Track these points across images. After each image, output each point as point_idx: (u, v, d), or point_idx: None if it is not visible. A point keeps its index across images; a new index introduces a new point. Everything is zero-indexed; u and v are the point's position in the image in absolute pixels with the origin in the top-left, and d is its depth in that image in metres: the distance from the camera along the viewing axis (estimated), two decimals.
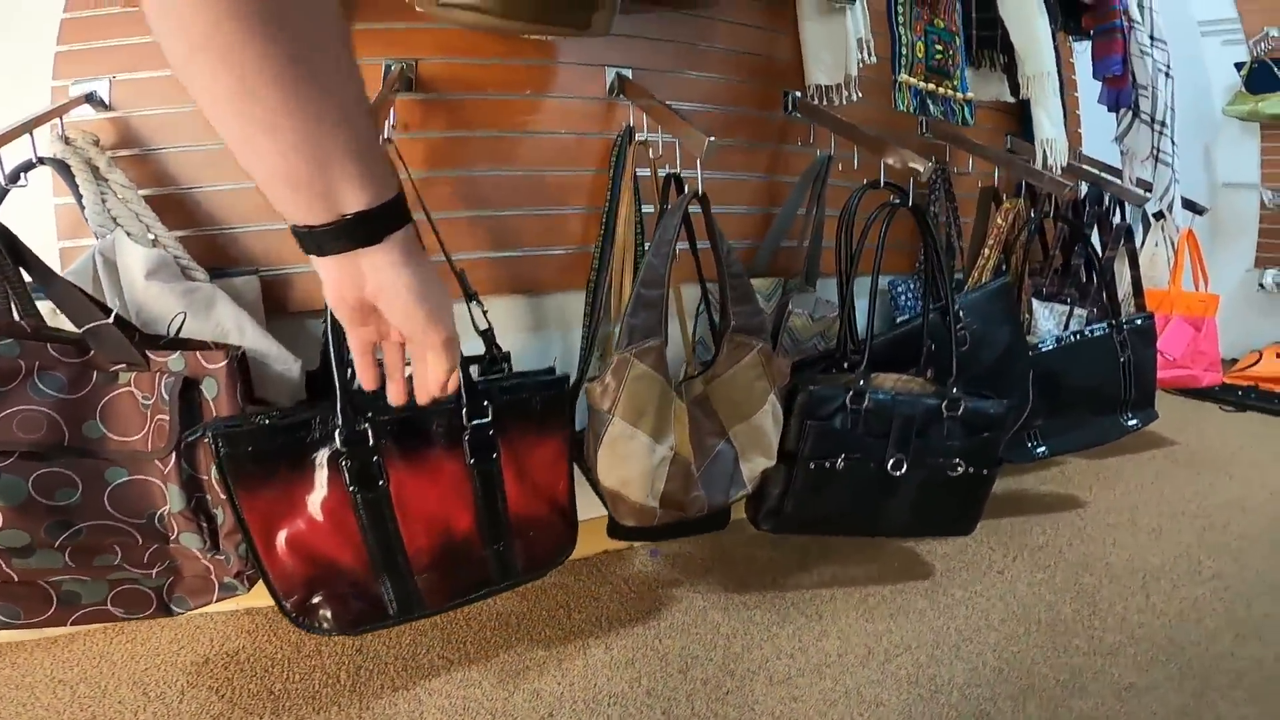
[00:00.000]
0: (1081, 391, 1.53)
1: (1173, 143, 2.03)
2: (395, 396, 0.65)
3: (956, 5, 1.71)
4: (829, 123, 1.46)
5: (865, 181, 1.30)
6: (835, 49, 1.52)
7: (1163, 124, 1.99)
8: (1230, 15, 3.26)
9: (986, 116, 1.98)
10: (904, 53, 1.57)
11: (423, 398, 0.63)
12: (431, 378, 0.60)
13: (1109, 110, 2.10)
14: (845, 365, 1.28)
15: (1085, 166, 2.04)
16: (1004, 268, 1.64)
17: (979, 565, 1.51)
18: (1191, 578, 1.45)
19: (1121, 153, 2.09)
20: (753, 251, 1.56)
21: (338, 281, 0.52)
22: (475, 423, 0.90)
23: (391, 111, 1.07)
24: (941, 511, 1.32)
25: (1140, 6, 2.04)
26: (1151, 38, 2.04)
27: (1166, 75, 2.05)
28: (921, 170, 1.18)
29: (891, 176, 1.30)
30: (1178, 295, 2.02)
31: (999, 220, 1.62)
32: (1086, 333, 1.54)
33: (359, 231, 0.49)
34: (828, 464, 1.20)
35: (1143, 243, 2.17)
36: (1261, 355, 2.86)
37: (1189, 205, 2.27)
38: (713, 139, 1.06)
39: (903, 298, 1.75)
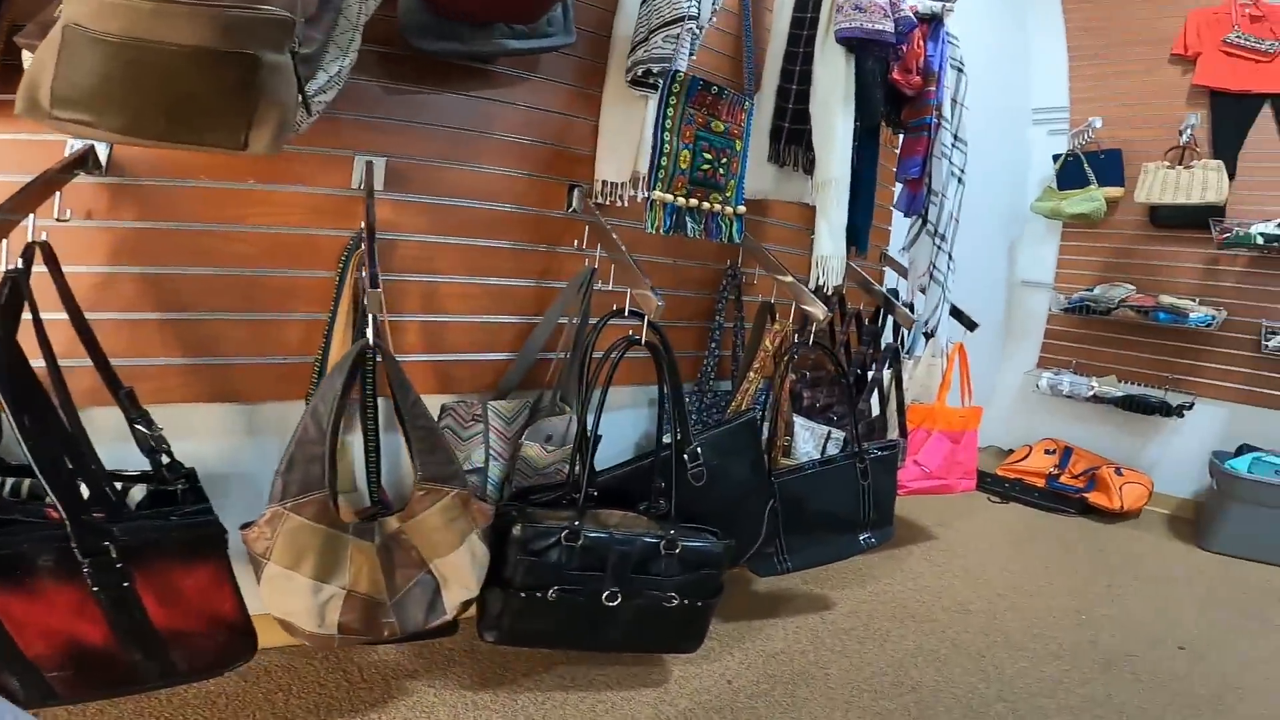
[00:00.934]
0: (825, 514, 1.63)
1: (949, 258, 2.09)
2: None
3: (748, 105, 1.59)
4: (600, 235, 1.44)
5: (614, 307, 1.31)
6: (629, 141, 1.49)
7: (942, 237, 2.03)
8: (1062, 103, 3.37)
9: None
10: (664, 164, 1.43)
11: None
12: None
13: (904, 215, 2.11)
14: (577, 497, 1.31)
15: (873, 284, 2.12)
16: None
17: (712, 674, 1.57)
18: (895, 689, 1.57)
19: (908, 262, 2.17)
20: (507, 365, 1.52)
21: None
22: (90, 559, 0.90)
23: (58, 195, 0.95)
24: (661, 634, 1.36)
25: (953, 103, 2.06)
26: (955, 137, 2.07)
27: (959, 181, 2.09)
28: (652, 311, 1.21)
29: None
30: (940, 411, 2.18)
31: (766, 342, 1.66)
32: (833, 462, 1.64)
33: None
34: (539, 594, 1.21)
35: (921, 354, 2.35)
36: (1031, 450, 3.19)
37: (959, 318, 2.39)
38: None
39: None
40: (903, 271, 2.30)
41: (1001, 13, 3.35)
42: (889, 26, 1.62)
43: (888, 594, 2.04)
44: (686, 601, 1.30)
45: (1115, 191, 3.11)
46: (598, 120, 1.57)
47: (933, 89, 1.96)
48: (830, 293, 1.68)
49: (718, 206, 1.54)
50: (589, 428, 1.30)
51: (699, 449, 1.36)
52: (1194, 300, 2.87)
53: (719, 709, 1.44)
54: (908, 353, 2.25)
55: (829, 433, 1.75)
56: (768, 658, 1.65)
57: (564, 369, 1.49)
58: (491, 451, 1.49)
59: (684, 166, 1.45)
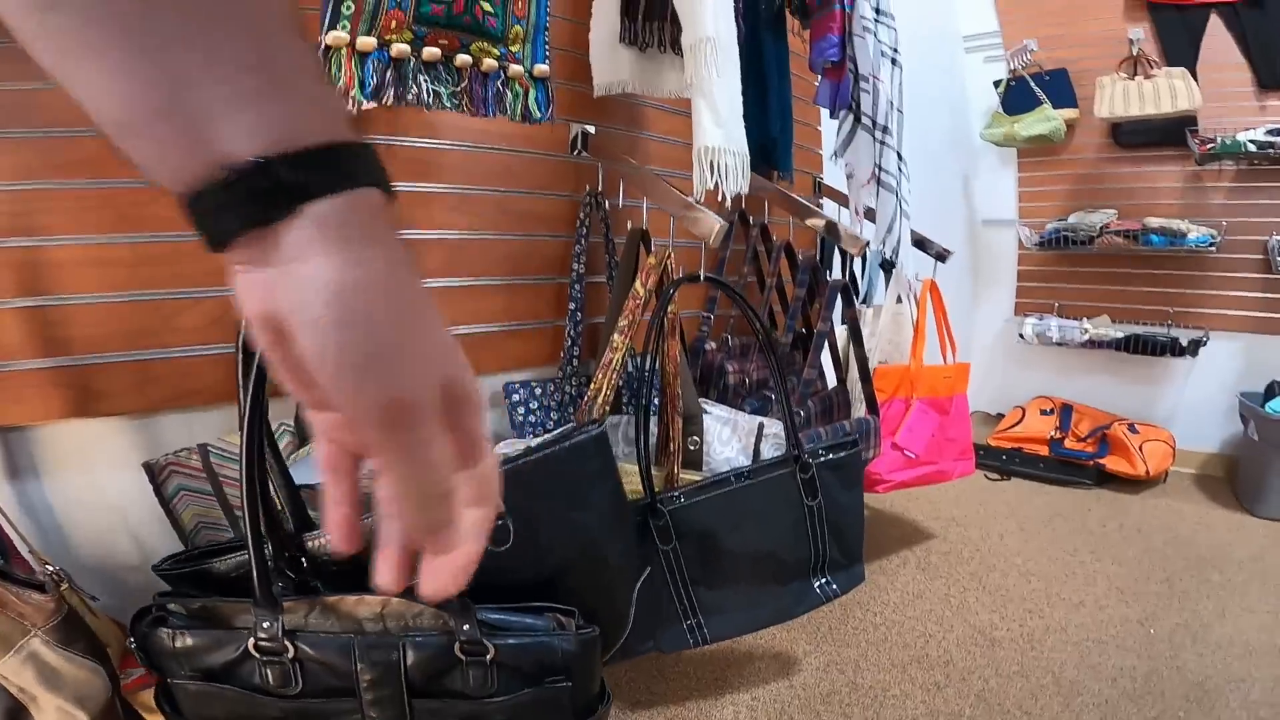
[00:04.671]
0: (752, 554, 1.01)
1: (899, 156, 1.56)
2: (378, 576, 0.30)
3: None
4: None
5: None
6: None
7: (884, 129, 1.52)
8: (993, 28, 3.01)
9: None
10: None
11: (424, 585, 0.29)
12: (409, 521, 0.29)
13: (829, 114, 1.59)
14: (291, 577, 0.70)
15: (801, 200, 1.55)
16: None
17: None
18: None
19: (846, 175, 1.62)
20: None
21: (246, 302, 0.27)
22: None
23: None
24: None
25: None
26: (877, 10, 1.59)
27: (893, 62, 1.60)
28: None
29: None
30: (919, 373, 1.60)
31: (637, 285, 1.04)
32: (757, 474, 1.01)
33: (250, 195, 0.25)
34: None
35: (885, 297, 1.78)
36: (1025, 413, 2.67)
37: (922, 246, 1.81)
38: None
39: (522, 409, 1.20)
40: (843, 200, 1.76)
41: None
42: None
43: (878, 631, 1.46)
44: None
45: (1070, 113, 2.72)
46: None
47: None
48: (730, 204, 1.09)
49: (490, 62, 0.96)
50: None
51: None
52: (1184, 221, 2.43)
53: None
54: (864, 298, 1.68)
55: (761, 425, 1.14)
56: None
57: None
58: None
59: None
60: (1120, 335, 2.46)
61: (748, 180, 1.12)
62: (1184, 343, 2.37)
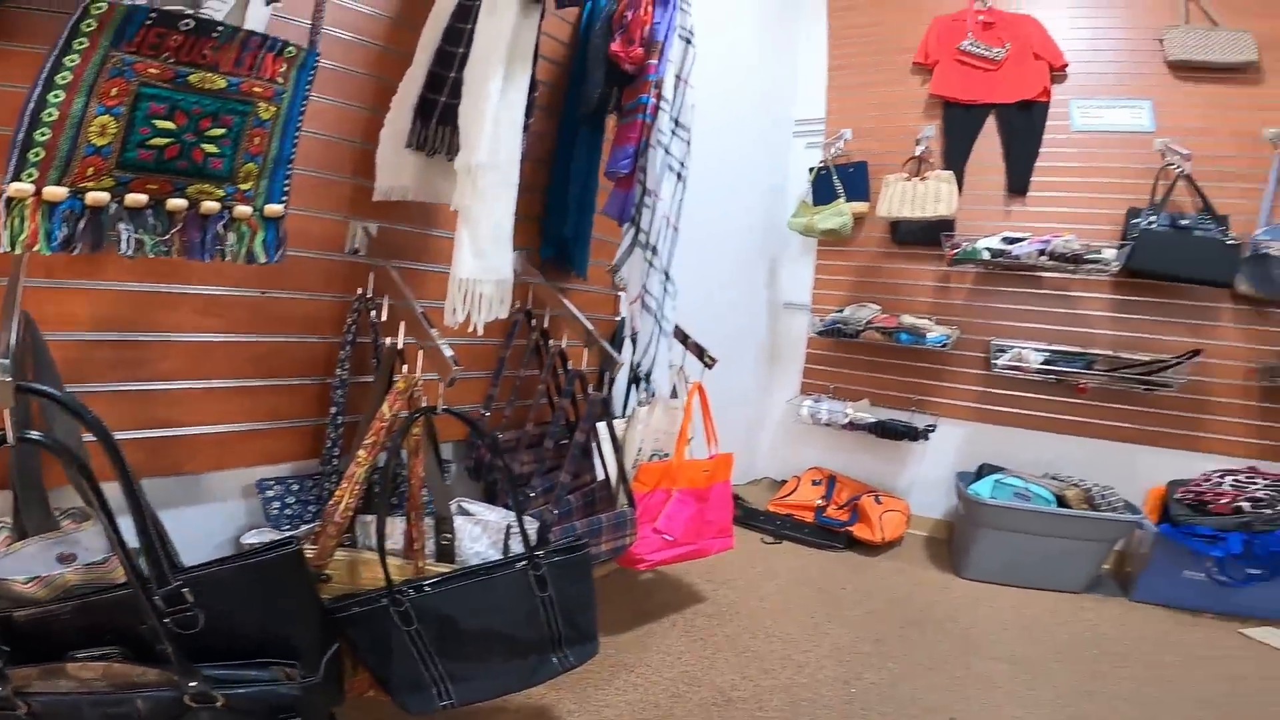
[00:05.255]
0: (492, 635, 1.13)
1: (665, 276, 1.66)
2: None
3: (296, 54, 0.99)
4: None
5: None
6: None
7: (654, 250, 1.60)
8: (820, 114, 3.21)
9: None
10: (40, 138, 0.79)
11: None
12: None
13: (619, 223, 1.65)
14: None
15: (572, 310, 1.61)
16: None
17: None
18: None
19: (620, 289, 1.73)
20: None
21: None
22: None
23: None
24: None
25: (677, 80, 1.66)
26: (676, 122, 1.65)
27: (679, 178, 1.67)
28: None
29: None
30: (680, 468, 1.80)
31: (385, 408, 1.08)
32: (487, 572, 1.13)
33: None
34: None
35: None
36: (800, 482, 3.01)
37: (694, 351, 2.00)
38: None
39: (277, 503, 1.23)
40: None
41: (774, 23, 3.21)
42: None
43: (636, 691, 1.59)
44: None
45: (861, 206, 3.01)
46: None
47: (654, 62, 1.57)
48: (481, 331, 1.18)
49: (211, 204, 0.95)
50: None
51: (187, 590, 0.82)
52: (932, 319, 2.86)
53: None
54: (624, 410, 1.85)
55: (509, 527, 1.25)
56: None
57: None
58: None
59: (101, 142, 0.84)
60: (872, 420, 2.86)
61: (507, 305, 1.21)
62: (919, 427, 2.81)
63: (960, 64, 2.89)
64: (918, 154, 2.83)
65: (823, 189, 3.03)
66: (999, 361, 2.68)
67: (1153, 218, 2.50)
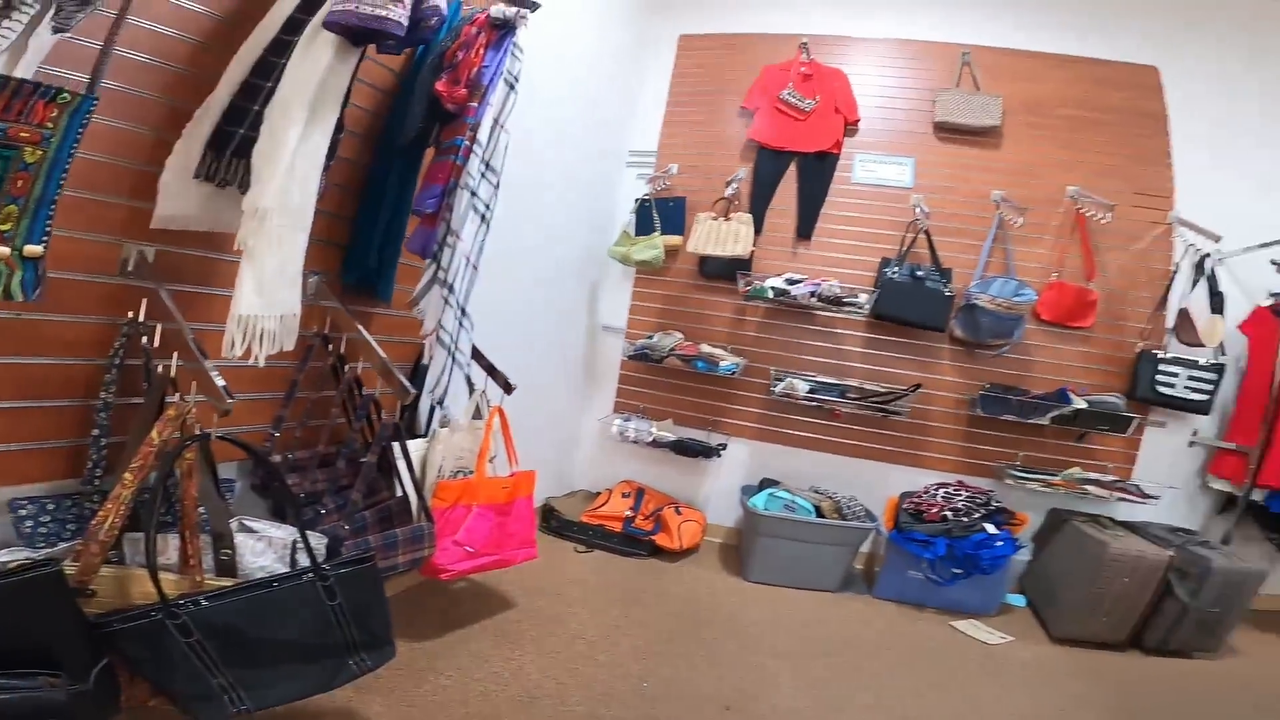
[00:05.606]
0: (283, 644, 1.18)
1: (461, 313, 1.76)
2: None
3: (67, 99, 0.99)
4: None
5: None
6: None
7: (450, 289, 1.70)
8: (653, 147, 3.40)
9: None
10: None
11: None
12: None
13: (422, 258, 1.74)
14: None
15: (369, 341, 1.65)
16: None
17: None
18: None
19: (419, 319, 1.80)
20: None
21: None
22: None
23: None
24: None
25: (494, 124, 1.74)
26: (486, 165, 1.74)
27: (483, 219, 1.77)
28: None
29: None
30: (481, 484, 1.92)
31: (154, 434, 1.09)
32: (268, 585, 1.18)
33: None
34: None
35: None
36: (611, 494, 3.23)
37: (495, 378, 2.14)
38: None
39: (30, 522, 1.19)
40: None
41: (626, 57, 3.36)
42: (397, 15, 1.23)
43: (445, 692, 1.67)
44: None
45: (675, 240, 3.24)
46: None
47: (475, 105, 1.67)
48: (262, 363, 1.23)
49: None
50: None
51: None
52: (728, 348, 3.21)
53: None
54: (426, 430, 1.95)
55: (294, 542, 1.30)
56: None
57: None
58: None
59: None
60: (673, 438, 3.16)
61: (293, 338, 1.26)
62: (714, 445, 3.15)
63: (778, 111, 3.18)
64: (728, 195, 3.14)
65: (644, 220, 3.26)
66: (776, 388, 3.09)
67: (896, 268, 3.02)
